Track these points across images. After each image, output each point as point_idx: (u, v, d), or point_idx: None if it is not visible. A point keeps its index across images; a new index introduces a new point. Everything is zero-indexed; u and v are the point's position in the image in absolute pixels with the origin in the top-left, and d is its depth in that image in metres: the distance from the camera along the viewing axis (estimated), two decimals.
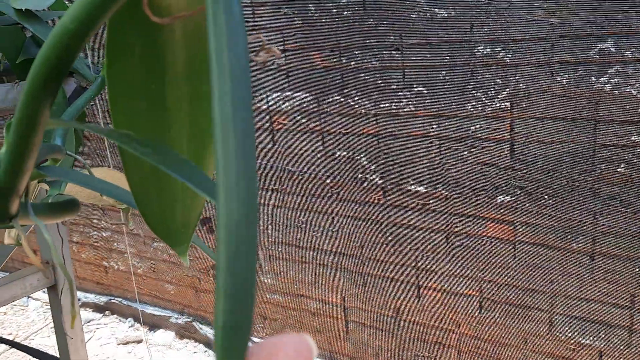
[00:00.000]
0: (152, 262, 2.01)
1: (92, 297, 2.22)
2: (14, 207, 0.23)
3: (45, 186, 0.37)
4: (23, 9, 0.42)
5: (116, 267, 2.13)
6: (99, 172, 0.41)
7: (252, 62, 0.18)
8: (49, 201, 0.33)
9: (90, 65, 0.57)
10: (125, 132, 0.22)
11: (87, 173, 0.34)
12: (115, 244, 2.09)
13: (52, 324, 1.49)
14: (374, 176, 1.45)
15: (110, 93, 0.23)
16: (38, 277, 0.72)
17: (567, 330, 1.29)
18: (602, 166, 1.15)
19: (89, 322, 2.13)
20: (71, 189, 0.41)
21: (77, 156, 0.34)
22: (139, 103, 0.23)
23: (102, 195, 0.35)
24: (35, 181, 0.35)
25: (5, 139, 0.22)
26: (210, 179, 0.22)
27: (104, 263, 2.16)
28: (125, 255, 2.08)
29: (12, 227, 0.37)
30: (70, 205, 0.29)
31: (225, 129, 0.15)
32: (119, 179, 0.46)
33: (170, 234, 0.29)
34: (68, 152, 0.36)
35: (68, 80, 0.56)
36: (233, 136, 0.14)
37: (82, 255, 2.21)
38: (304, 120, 1.51)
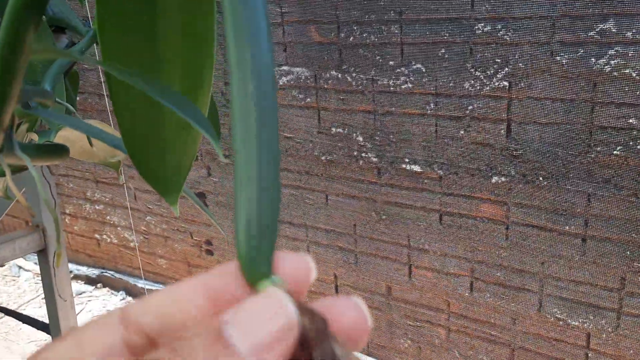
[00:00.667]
0: (145, 236, 2.01)
1: (84, 270, 2.22)
2: None
3: (35, 136, 0.36)
4: None
5: (109, 240, 2.12)
6: (90, 123, 0.40)
7: None
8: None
9: (89, 19, 0.56)
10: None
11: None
12: (108, 217, 2.08)
13: (43, 295, 1.48)
14: (369, 154, 1.44)
15: (99, 31, 0.22)
16: (28, 240, 0.71)
17: (556, 312, 1.30)
18: (598, 149, 1.15)
19: (81, 294, 2.13)
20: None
21: (68, 105, 0.34)
22: (129, 38, 0.22)
23: (92, 142, 0.35)
24: (24, 128, 0.34)
25: None
26: (203, 115, 0.22)
27: (97, 236, 2.15)
28: (118, 228, 2.07)
29: None
30: (59, 149, 0.28)
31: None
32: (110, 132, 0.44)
33: (161, 181, 0.28)
34: (58, 99, 0.35)
35: (60, 36, 0.55)
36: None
37: (75, 227, 2.20)
38: (300, 96, 1.50)
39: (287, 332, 0.13)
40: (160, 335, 0.14)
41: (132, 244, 2.05)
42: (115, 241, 2.10)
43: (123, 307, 0.15)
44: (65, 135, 0.39)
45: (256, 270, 0.14)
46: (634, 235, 1.17)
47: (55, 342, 0.15)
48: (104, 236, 2.13)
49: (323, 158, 1.52)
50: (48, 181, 0.68)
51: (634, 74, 1.07)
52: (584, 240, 1.22)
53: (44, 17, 0.53)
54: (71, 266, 2.22)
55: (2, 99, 0.20)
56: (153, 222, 1.96)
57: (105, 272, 2.17)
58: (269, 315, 0.13)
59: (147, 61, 0.23)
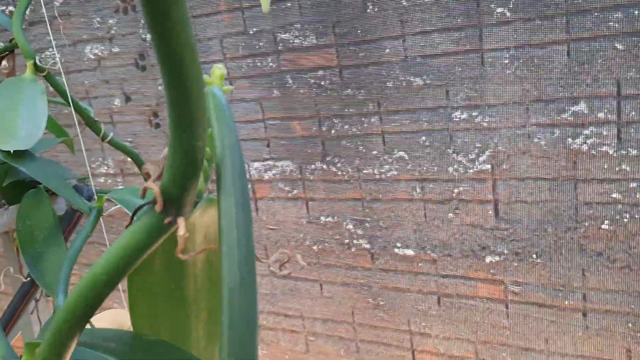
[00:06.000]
0: None
1: None
2: None
3: None
4: (11, 150, 0.41)
5: None
6: (105, 316, 0.39)
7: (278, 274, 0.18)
8: None
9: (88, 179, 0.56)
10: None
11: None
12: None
13: None
14: (360, 241, 1.45)
15: (130, 299, 0.22)
16: None
17: None
18: (586, 223, 1.17)
19: None
20: None
21: None
22: (158, 304, 0.22)
23: None
24: None
25: None
26: None
27: None
28: None
29: None
30: None
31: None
32: (125, 317, 0.44)
33: None
34: None
35: (57, 199, 0.55)
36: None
37: None
38: (287, 188, 1.51)
39: None
40: None
41: None
42: None
43: None
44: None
45: None
46: (633, 306, 1.17)
47: None
48: None
49: (315, 247, 1.51)
50: None
51: (610, 152, 1.11)
52: (584, 314, 1.22)
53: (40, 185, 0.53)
54: None
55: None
56: None
57: None
58: None
59: (174, 322, 0.23)
